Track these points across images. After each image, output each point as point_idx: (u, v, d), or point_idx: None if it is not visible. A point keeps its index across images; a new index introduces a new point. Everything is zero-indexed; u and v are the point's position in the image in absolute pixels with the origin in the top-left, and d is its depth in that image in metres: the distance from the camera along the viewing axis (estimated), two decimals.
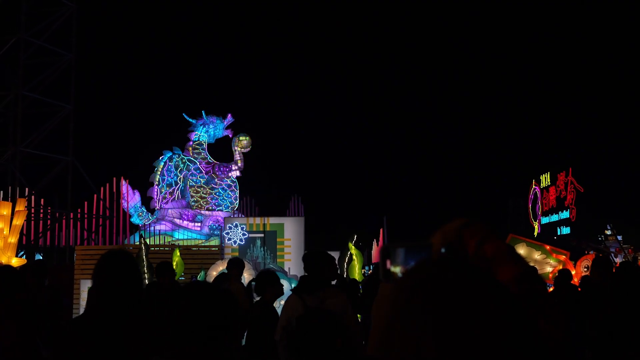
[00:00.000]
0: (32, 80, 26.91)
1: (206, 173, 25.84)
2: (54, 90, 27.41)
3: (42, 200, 26.95)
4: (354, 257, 18.20)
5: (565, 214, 31.25)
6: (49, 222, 27.21)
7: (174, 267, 17.09)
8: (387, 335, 1.24)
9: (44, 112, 27.14)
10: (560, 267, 12.68)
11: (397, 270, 1.68)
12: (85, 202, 27.04)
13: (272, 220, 21.22)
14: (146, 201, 26.04)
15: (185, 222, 25.40)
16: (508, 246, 1.72)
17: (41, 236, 26.82)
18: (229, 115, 25.90)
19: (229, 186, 25.82)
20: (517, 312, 1.23)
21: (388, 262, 1.69)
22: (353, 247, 18.57)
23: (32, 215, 26.08)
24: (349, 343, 5.55)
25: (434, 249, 1.74)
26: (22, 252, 23.64)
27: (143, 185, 26.13)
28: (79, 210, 27.09)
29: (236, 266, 9.66)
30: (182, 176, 26.06)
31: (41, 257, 24.91)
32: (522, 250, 13.29)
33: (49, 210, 27.28)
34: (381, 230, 25.29)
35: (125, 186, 25.72)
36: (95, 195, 26.90)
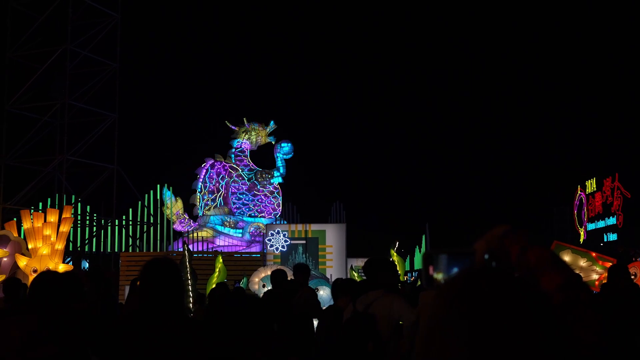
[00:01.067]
0: (78, 89, 27.37)
1: (249, 180, 26.03)
2: (99, 99, 27.81)
3: (87, 207, 27.43)
4: (395, 263, 18.13)
5: (611, 220, 30.70)
6: (94, 228, 27.66)
7: (217, 273, 17.24)
8: (428, 341, 1.26)
9: (89, 121, 27.57)
10: (607, 275, 12.40)
11: (439, 277, 1.69)
12: (130, 209, 27.42)
13: (314, 227, 21.30)
14: (188, 208, 26.30)
15: (227, 229, 25.56)
16: (552, 253, 1.71)
17: (87, 243, 27.27)
18: (272, 122, 26.04)
19: (272, 193, 25.97)
20: (555, 323, 1.23)
21: (431, 269, 1.70)
22: (395, 253, 18.55)
23: (79, 222, 26.52)
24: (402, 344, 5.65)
25: (476, 256, 1.74)
26: (69, 259, 24.06)
27: (185, 192, 26.40)
28: (123, 217, 27.48)
29: (301, 272, 9.71)
30: (224, 183, 26.24)
31: (87, 264, 25.32)
32: (567, 257, 13.06)
33: (95, 218, 27.72)
34: (423, 236, 25.14)
35: (166, 193, 26.00)
36: (139, 203, 27.31)
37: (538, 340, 1.18)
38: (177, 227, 25.90)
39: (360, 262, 20.48)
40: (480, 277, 1.30)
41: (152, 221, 27.04)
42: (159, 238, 26.38)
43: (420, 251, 25.13)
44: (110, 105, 27.87)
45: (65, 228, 18.68)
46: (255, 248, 24.36)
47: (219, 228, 25.51)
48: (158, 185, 26.48)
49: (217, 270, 17.39)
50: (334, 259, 20.66)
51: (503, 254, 1.71)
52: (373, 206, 33.24)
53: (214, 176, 26.20)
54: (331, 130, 39.80)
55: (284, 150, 25.56)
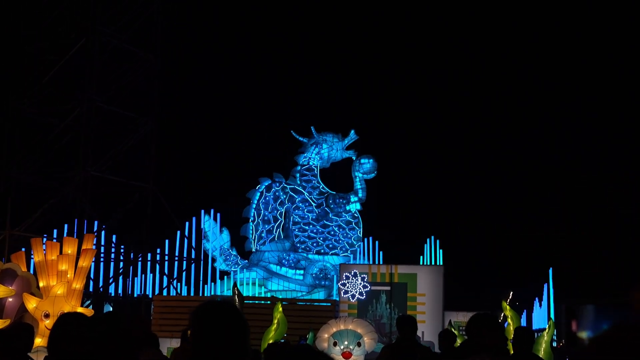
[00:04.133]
0: (107, 88, 27.74)
1: (317, 206, 25.94)
2: (133, 100, 28.13)
3: (114, 237, 27.84)
4: (508, 319, 17.91)
5: None
6: (121, 264, 27.99)
7: (275, 325, 17.24)
8: None
9: (120, 128, 27.87)
10: None
11: (584, 335, 1.65)
12: (167, 241, 27.69)
13: (402, 269, 21.12)
14: (238, 241, 26.39)
15: (284, 269, 25.58)
16: None
17: (112, 282, 27.64)
18: (352, 131, 26.06)
19: (348, 223, 25.94)
20: None
21: (574, 324, 1.66)
22: (508, 306, 18.21)
23: (102, 255, 26.89)
24: None
25: (634, 309, 1.70)
26: (89, 302, 24.47)
27: (235, 222, 26.45)
28: (158, 251, 27.77)
29: (409, 325, 9.75)
30: (283, 210, 26.24)
31: (111, 308, 25.67)
32: None
33: (122, 250, 28.06)
34: (545, 285, 24.69)
35: (208, 222, 26.09)
36: (178, 233, 27.52)
37: None
38: (220, 265, 26.01)
39: (462, 317, 20.19)
40: None
41: (193, 256, 27.23)
42: (202, 278, 26.52)
43: (540, 305, 24.67)
44: (147, 108, 28.25)
45: (85, 262, 18.97)
46: (319, 295, 24.30)
47: (274, 268, 25.52)
48: (202, 211, 26.65)
49: (276, 321, 17.35)
50: (428, 311, 20.43)
51: None
52: (479, 244, 32.73)
53: (271, 201, 26.25)
54: (425, 144, 39.42)
55: (364, 169, 25.42)
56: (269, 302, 20.59)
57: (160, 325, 19.85)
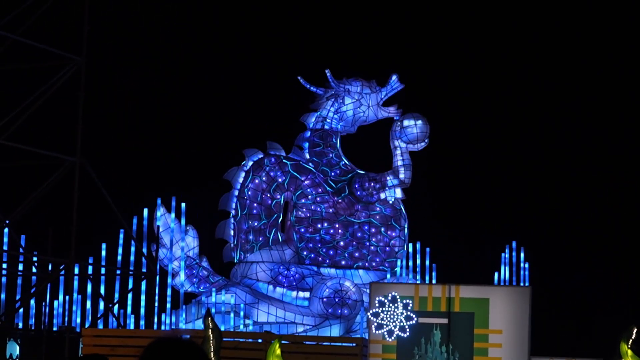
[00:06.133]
0: (13, 11, 27.78)
1: (336, 193, 25.84)
2: (52, 30, 28.24)
3: (23, 237, 27.81)
4: None
5: None
6: (33, 280, 28.05)
7: None
8: None
9: (32, 69, 27.91)
10: None
11: None
12: (103, 245, 27.75)
13: (466, 291, 21.15)
14: (214, 247, 26.58)
15: (282, 290, 25.69)
16: None
17: (19, 307, 27.68)
18: (393, 77, 25.67)
19: (385, 220, 25.77)
20: None
21: None
22: (629, 351, 18.44)
23: (4, 266, 26.94)
24: None
25: None
26: None
27: (207, 217, 26.67)
28: (90, 260, 27.81)
29: None
30: (282, 200, 26.42)
31: (17, 347, 25.68)
32: None
33: (35, 259, 28.12)
34: None
35: (163, 216, 26.27)
36: (121, 232, 27.57)
37: None
38: (180, 284, 26.16)
39: None
40: None
41: (144, 269, 27.33)
42: (156, 302, 26.64)
43: None
44: (72, 42, 28.28)
45: None
46: (330, 330, 24.37)
47: (265, 288, 25.74)
48: (158, 201, 26.80)
49: None
50: (506, 357, 20.43)
51: None
52: (585, 253, 32.77)
53: (262, 185, 26.44)
54: (506, 96, 39.61)
55: (409, 135, 25.29)
56: (260, 340, 20.62)
57: None
